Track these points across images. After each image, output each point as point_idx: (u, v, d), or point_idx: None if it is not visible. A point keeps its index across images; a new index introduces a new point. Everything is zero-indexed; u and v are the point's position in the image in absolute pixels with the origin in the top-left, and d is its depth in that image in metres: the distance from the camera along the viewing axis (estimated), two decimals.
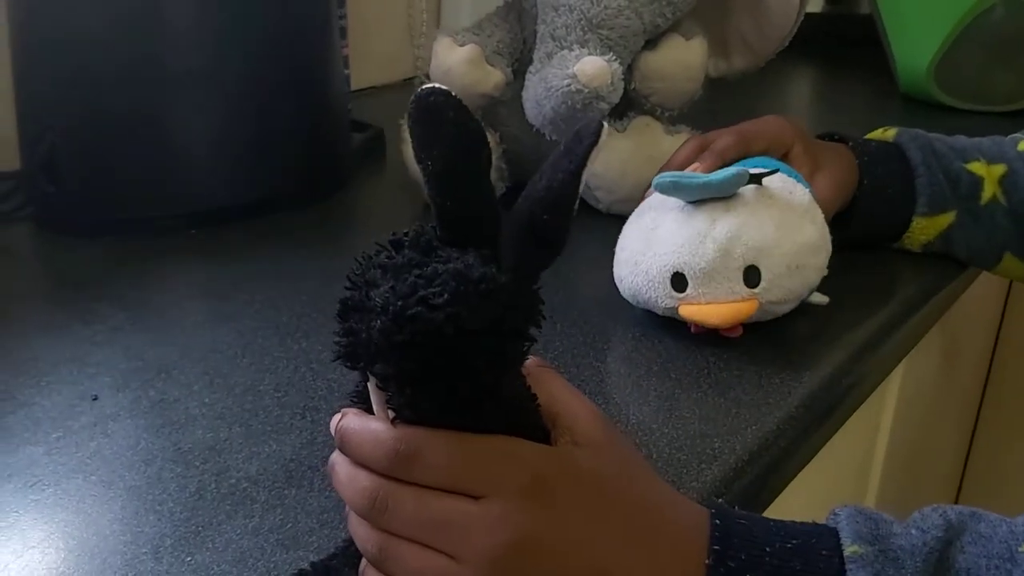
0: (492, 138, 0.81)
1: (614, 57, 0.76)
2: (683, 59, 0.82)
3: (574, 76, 0.74)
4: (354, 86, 1.16)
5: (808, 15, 1.46)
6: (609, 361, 0.61)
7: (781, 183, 0.62)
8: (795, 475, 0.56)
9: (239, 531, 0.45)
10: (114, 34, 0.75)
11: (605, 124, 0.35)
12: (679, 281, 0.60)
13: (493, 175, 0.83)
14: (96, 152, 0.78)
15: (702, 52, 0.83)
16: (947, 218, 0.72)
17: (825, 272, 0.62)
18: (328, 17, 0.88)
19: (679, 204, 0.61)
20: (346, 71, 1.09)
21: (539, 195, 0.35)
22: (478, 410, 0.36)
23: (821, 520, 0.42)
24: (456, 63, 0.81)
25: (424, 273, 0.34)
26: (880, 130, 0.77)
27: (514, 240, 0.36)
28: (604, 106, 0.76)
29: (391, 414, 0.36)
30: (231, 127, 0.80)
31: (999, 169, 0.73)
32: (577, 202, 0.36)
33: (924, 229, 0.73)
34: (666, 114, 0.84)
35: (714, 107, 0.89)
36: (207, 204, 0.81)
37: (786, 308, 0.61)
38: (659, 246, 0.60)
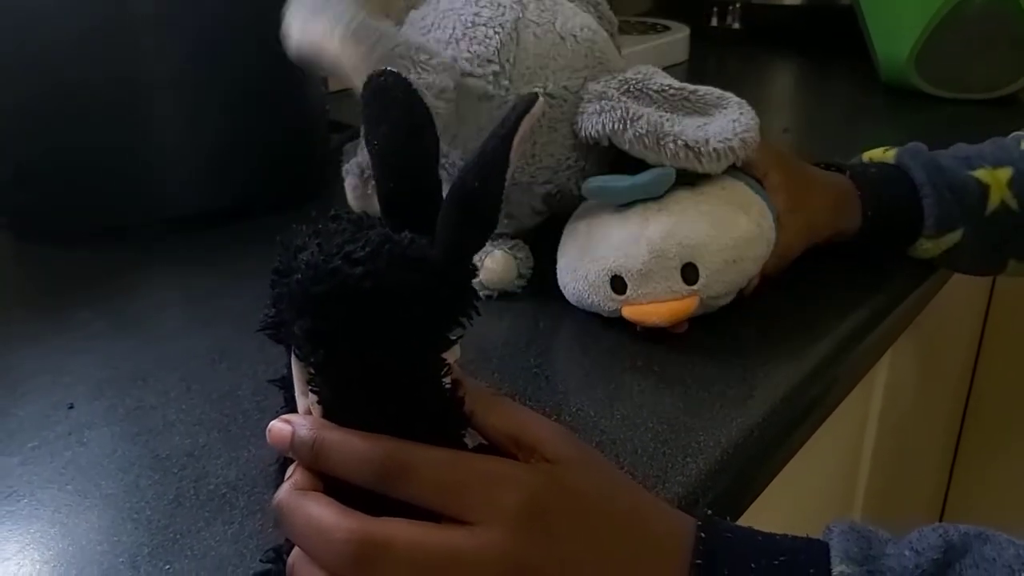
0: None
1: None
2: None
3: None
4: (333, 87, 1.14)
5: (789, 7, 1.48)
6: (593, 356, 0.60)
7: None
8: (781, 468, 0.55)
9: (218, 538, 0.45)
10: (85, 41, 0.74)
11: (540, 98, 0.36)
12: (618, 283, 0.59)
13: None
14: (70, 160, 0.77)
15: None
16: (953, 237, 0.70)
17: (763, 260, 0.61)
18: None
19: (612, 207, 0.61)
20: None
21: (471, 163, 0.35)
22: (391, 395, 0.35)
23: (812, 525, 0.41)
24: None
25: (354, 237, 0.33)
26: (880, 150, 0.74)
27: (446, 216, 0.35)
28: None
29: (310, 395, 0.35)
30: (205, 131, 0.79)
31: (1005, 173, 0.70)
32: (508, 173, 0.35)
33: (928, 250, 0.71)
34: None
35: None
36: (183, 210, 0.80)
37: (726, 300, 0.61)
38: (595, 251, 0.60)
